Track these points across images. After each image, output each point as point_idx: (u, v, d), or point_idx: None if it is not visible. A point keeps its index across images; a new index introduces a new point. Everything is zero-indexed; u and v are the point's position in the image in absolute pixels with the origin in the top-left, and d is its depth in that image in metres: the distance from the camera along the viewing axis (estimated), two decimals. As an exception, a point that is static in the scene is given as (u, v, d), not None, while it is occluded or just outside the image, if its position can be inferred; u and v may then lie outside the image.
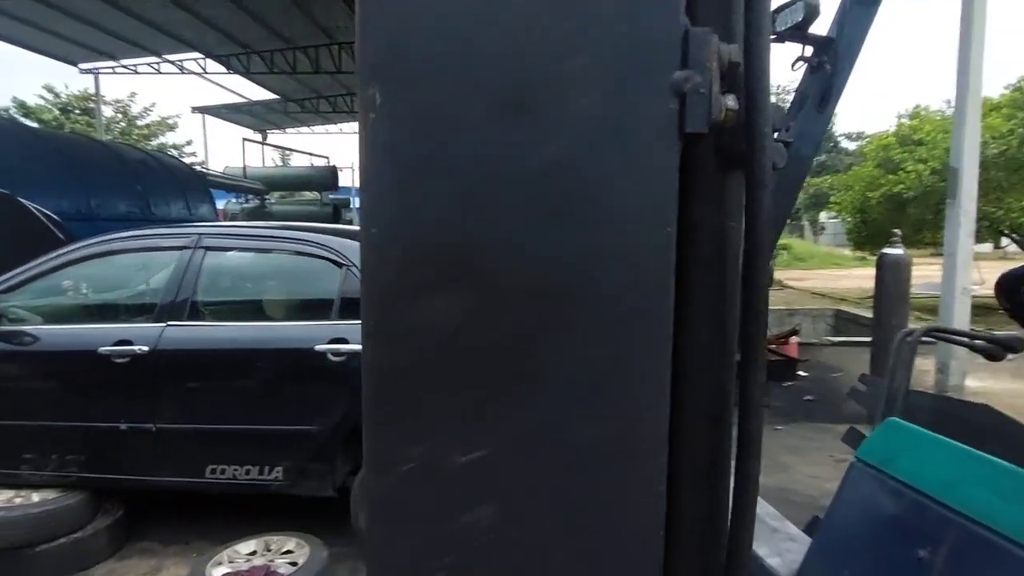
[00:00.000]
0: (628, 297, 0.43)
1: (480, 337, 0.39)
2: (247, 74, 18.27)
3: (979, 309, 8.08)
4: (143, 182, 9.46)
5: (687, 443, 0.51)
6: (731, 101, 0.43)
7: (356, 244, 3.38)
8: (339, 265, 3.26)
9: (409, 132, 0.37)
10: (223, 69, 17.90)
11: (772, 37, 0.44)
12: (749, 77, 0.43)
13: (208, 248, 3.38)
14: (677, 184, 0.43)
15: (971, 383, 6.22)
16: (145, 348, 3.14)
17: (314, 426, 3.11)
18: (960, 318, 5.97)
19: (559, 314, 0.41)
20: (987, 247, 18.29)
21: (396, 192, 0.37)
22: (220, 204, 15.43)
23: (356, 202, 26.38)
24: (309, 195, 21.64)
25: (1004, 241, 16.04)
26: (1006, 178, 10.51)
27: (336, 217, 17.21)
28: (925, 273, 8.81)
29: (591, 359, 0.42)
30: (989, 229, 11.96)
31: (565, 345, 0.41)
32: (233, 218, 15.22)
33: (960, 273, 6.11)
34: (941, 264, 6.37)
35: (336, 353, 3.07)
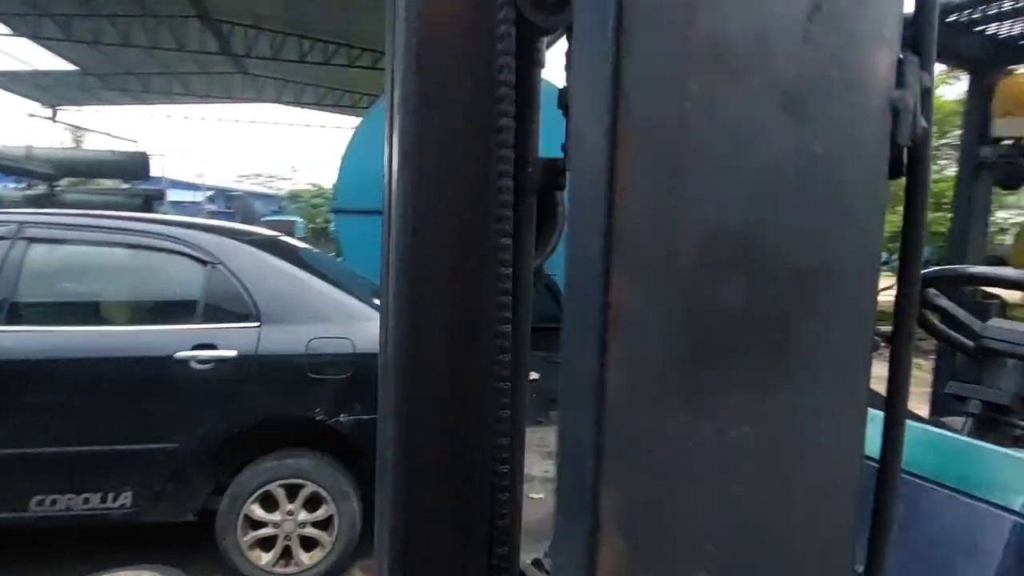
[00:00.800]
0: (864, 286, 0.48)
1: (749, 317, 0.42)
2: (36, 38, 15.64)
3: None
4: None
5: None
6: (924, 121, 0.49)
7: (222, 240, 3.07)
8: (203, 263, 2.94)
9: (718, 120, 0.39)
10: (6, 30, 15.18)
11: None
12: (927, 100, 0.50)
13: (33, 239, 2.86)
14: (886, 188, 0.49)
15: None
16: (-53, 358, 2.58)
17: (172, 443, 2.77)
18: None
19: (814, 297, 0.44)
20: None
21: (691, 177, 0.39)
22: (-5, 189, 13.08)
23: (171, 195, 23.51)
24: (108, 183, 18.98)
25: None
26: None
27: (147, 209, 15.30)
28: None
29: (836, 345, 0.45)
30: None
31: (818, 329, 0.45)
32: (14, 206, 12.95)
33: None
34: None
35: (201, 360, 2.77)
